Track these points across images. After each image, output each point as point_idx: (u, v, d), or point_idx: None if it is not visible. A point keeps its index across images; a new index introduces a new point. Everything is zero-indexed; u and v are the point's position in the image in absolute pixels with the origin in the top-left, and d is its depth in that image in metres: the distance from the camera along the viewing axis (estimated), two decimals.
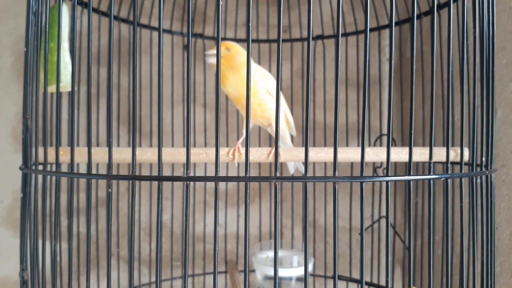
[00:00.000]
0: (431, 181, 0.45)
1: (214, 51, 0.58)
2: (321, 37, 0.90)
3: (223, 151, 0.54)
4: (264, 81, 0.61)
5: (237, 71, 0.59)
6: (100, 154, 0.51)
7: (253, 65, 0.64)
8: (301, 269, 0.68)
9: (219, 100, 0.41)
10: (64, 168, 0.52)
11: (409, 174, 0.44)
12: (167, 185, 0.89)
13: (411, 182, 0.43)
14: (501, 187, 0.67)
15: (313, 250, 0.93)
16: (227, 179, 0.42)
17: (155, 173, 0.87)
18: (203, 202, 0.94)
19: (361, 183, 0.41)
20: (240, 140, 0.55)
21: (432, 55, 0.45)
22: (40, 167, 0.51)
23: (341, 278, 0.85)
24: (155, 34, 0.88)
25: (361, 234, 0.42)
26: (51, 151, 0.50)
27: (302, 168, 0.74)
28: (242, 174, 0.92)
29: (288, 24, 0.94)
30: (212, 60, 0.58)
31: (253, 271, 0.74)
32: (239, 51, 0.60)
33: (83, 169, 0.51)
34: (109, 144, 0.44)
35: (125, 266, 0.91)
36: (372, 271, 0.86)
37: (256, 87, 0.60)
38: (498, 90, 0.68)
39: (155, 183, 0.89)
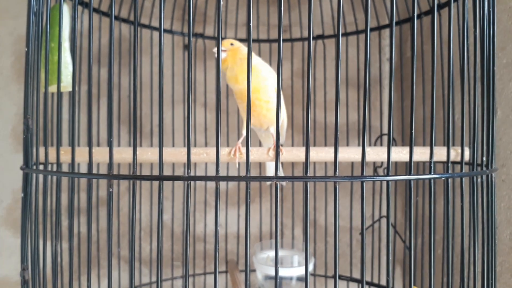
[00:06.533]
0: (432, 181, 0.45)
1: (221, 47, 0.58)
2: (321, 37, 0.90)
3: (223, 151, 0.54)
4: (271, 77, 0.59)
5: (245, 61, 0.57)
6: (101, 154, 0.51)
7: (257, 58, 0.62)
8: (302, 269, 0.68)
9: (219, 99, 0.41)
10: (65, 168, 0.52)
11: (409, 174, 0.44)
12: (168, 185, 0.89)
13: (412, 182, 0.43)
14: (501, 187, 0.67)
15: (314, 250, 0.93)
16: (228, 178, 0.42)
17: (155, 172, 0.87)
18: (204, 202, 0.94)
19: (362, 182, 0.41)
20: (240, 140, 0.55)
21: (433, 55, 0.45)
22: (41, 167, 0.52)
23: (341, 277, 0.85)
24: (155, 34, 0.88)
25: (362, 233, 0.42)
26: (52, 151, 0.50)
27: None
28: (242, 173, 0.92)
29: (289, 24, 0.94)
30: (222, 55, 0.58)
31: (254, 270, 0.74)
32: (241, 44, 0.60)
33: (83, 169, 0.51)
34: (110, 144, 0.44)
35: (125, 266, 0.91)
36: (373, 270, 0.86)
37: (266, 83, 0.58)
38: (498, 90, 0.68)
39: (155, 183, 0.89)
